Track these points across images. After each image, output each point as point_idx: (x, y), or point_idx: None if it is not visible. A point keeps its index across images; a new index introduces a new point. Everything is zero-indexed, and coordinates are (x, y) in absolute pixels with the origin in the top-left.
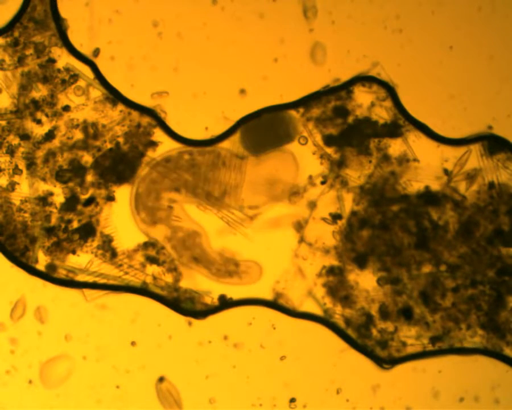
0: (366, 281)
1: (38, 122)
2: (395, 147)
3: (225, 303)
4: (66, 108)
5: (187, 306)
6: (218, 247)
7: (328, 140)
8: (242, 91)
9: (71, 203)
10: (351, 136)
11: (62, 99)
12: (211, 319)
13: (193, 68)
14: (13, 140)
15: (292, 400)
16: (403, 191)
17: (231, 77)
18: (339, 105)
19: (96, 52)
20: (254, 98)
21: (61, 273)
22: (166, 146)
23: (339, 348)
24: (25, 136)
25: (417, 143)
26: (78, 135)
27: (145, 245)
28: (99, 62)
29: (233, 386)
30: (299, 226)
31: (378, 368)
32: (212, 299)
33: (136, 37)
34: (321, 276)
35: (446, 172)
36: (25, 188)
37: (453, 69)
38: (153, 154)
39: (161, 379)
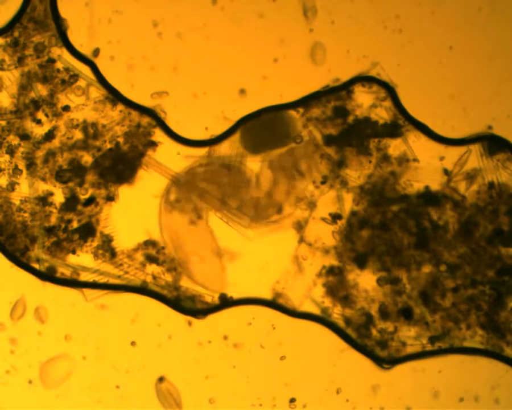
0: (366, 281)
1: (38, 122)
2: (395, 147)
3: (225, 302)
4: (66, 108)
5: (187, 304)
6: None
7: (328, 140)
8: (242, 91)
9: (71, 203)
10: (351, 136)
11: (62, 99)
12: (211, 319)
13: (193, 67)
14: (13, 140)
15: (292, 400)
16: (403, 191)
17: (231, 77)
18: (339, 105)
19: (96, 52)
20: (254, 98)
21: (62, 273)
22: (166, 146)
23: (339, 348)
24: (25, 136)
25: (417, 143)
26: (78, 135)
27: (146, 244)
28: (99, 62)
29: (233, 386)
30: (299, 226)
31: (378, 368)
32: (212, 298)
33: (136, 37)
34: (321, 276)
35: (446, 172)
36: (25, 188)
37: (453, 69)
38: (153, 154)
39: (161, 379)
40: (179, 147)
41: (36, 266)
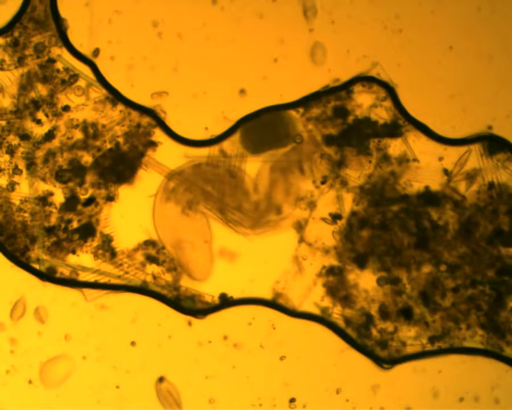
0: (366, 281)
1: (38, 122)
2: (395, 147)
3: (225, 302)
4: (66, 108)
5: (187, 304)
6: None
7: (328, 140)
8: (242, 91)
9: (71, 203)
10: (351, 136)
11: (62, 99)
12: (211, 319)
13: (193, 68)
14: (13, 140)
15: (292, 400)
16: (403, 191)
17: (231, 77)
18: (339, 105)
19: (96, 52)
20: (254, 98)
21: (62, 273)
22: (166, 146)
23: (339, 348)
24: (25, 136)
25: (417, 143)
26: (78, 135)
27: (146, 244)
28: (99, 62)
29: (233, 386)
30: (299, 226)
31: (378, 368)
32: (212, 298)
33: (136, 37)
34: (321, 276)
35: (446, 172)
36: (25, 188)
37: (453, 69)
38: (153, 154)
39: (161, 379)
40: (179, 147)
41: (36, 266)
